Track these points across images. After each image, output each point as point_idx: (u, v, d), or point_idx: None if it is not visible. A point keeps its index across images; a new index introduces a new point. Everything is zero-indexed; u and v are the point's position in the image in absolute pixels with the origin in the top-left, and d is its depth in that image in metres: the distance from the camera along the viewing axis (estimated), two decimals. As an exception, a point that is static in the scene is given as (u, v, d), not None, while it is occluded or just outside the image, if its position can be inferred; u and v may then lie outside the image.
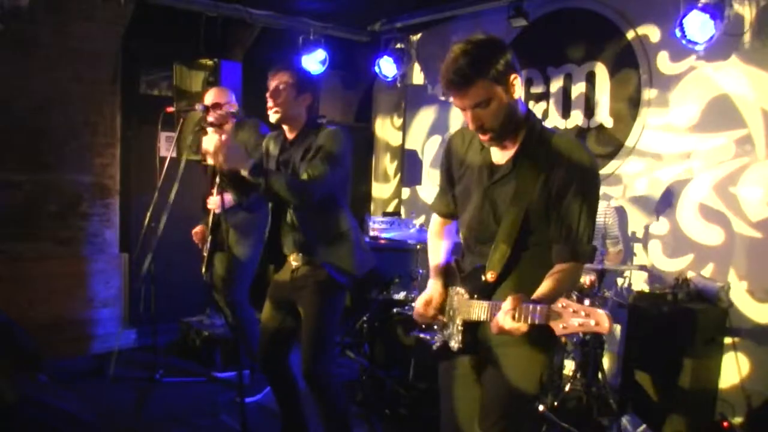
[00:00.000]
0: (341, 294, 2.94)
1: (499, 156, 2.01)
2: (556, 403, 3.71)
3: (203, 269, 4.22)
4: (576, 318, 1.64)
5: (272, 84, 2.85)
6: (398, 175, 6.29)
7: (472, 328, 2.02)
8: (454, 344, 2.06)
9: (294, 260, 2.94)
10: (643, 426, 3.54)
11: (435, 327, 2.17)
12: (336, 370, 4.55)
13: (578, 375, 3.86)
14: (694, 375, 3.60)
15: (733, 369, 3.79)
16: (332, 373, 2.95)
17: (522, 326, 1.73)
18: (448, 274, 2.19)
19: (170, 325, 4.96)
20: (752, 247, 3.78)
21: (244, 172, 2.65)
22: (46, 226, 4.78)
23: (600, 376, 3.78)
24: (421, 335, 2.22)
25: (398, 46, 5.60)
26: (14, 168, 4.63)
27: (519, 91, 1.91)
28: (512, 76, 1.89)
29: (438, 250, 2.27)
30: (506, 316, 1.75)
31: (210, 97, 3.97)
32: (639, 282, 4.26)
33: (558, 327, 1.66)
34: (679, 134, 4.14)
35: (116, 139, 5.08)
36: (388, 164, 6.41)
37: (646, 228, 4.29)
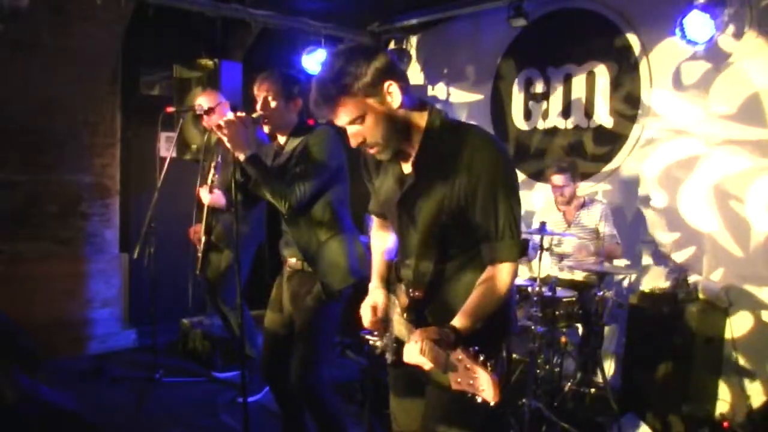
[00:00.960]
0: (334, 306, 2.86)
1: (407, 165, 1.86)
2: (556, 403, 3.71)
3: (197, 268, 4.23)
4: (468, 377, 1.48)
5: (260, 95, 2.81)
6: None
7: (403, 345, 1.82)
8: (389, 357, 1.99)
9: (289, 265, 2.93)
10: (643, 426, 3.54)
11: (375, 333, 2.08)
12: (336, 370, 4.58)
13: (578, 375, 3.87)
14: (694, 375, 3.60)
15: (733, 369, 3.79)
16: (323, 381, 2.87)
17: (426, 364, 1.60)
18: (389, 279, 2.06)
19: (170, 325, 4.97)
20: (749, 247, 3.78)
21: (242, 158, 2.66)
22: (46, 226, 4.78)
23: (600, 376, 3.79)
24: (368, 336, 2.13)
25: (398, 46, 5.60)
26: (14, 168, 4.63)
27: (398, 98, 1.73)
28: (386, 84, 1.71)
29: (378, 253, 2.13)
30: (410, 351, 1.64)
31: (205, 101, 3.97)
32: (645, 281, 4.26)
33: (455, 380, 1.51)
34: (679, 134, 4.14)
35: (116, 139, 5.08)
36: (388, 164, 6.41)
37: (644, 227, 4.29)
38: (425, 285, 1.85)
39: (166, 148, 4.99)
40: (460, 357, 1.49)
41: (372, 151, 1.80)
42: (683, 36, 3.74)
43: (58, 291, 4.82)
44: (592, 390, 3.77)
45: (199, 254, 4.19)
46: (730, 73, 3.87)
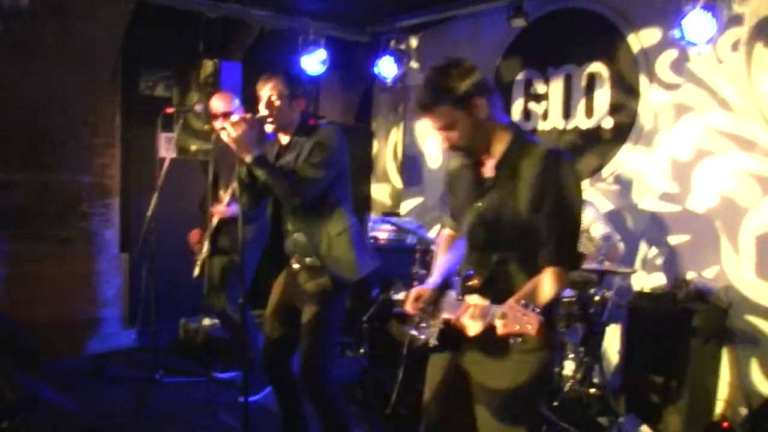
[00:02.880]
0: (342, 298, 2.92)
1: (487, 169, 2.09)
2: (556, 403, 3.71)
3: (195, 271, 4.24)
4: (515, 320, 1.70)
5: (264, 95, 2.83)
6: (398, 176, 6.29)
7: (449, 331, 2.06)
8: (431, 340, 2.14)
9: (295, 263, 2.94)
10: (643, 426, 3.54)
11: (423, 324, 2.23)
12: (336, 370, 4.58)
13: (578, 375, 3.86)
14: (694, 375, 3.60)
15: (733, 369, 3.79)
16: (331, 376, 2.92)
17: (478, 326, 1.83)
18: (445, 286, 2.23)
19: (170, 325, 4.97)
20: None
21: (248, 159, 2.67)
22: (46, 226, 4.78)
23: (600, 376, 3.79)
24: (412, 331, 2.30)
25: (398, 46, 5.60)
26: (14, 168, 4.63)
27: (485, 112, 2.00)
28: (475, 100, 1.98)
29: (440, 257, 2.34)
30: (464, 313, 1.87)
31: (218, 104, 3.96)
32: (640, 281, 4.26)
33: (502, 326, 1.73)
34: (678, 134, 4.14)
35: (116, 139, 5.08)
36: (387, 165, 6.41)
37: (644, 227, 4.29)
38: (483, 277, 2.04)
39: (166, 148, 5.00)
40: (510, 305, 1.74)
41: (457, 153, 2.11)
42: (683, 36, 3.74)
43: (58, 291, 4.82)
44: (592, 390, 3.77)
45: (198, 260, 4.20)
46: (730, 73, 3.87)
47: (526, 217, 1.96)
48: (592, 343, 3.77)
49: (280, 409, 3.20)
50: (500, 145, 2.04)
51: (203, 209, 4.32)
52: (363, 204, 6.28)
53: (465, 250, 2.21)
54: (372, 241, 5.14)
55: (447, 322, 2.07)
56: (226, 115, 3.85)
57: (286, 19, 5.30)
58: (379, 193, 6.48)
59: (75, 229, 4.91)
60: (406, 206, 6.12)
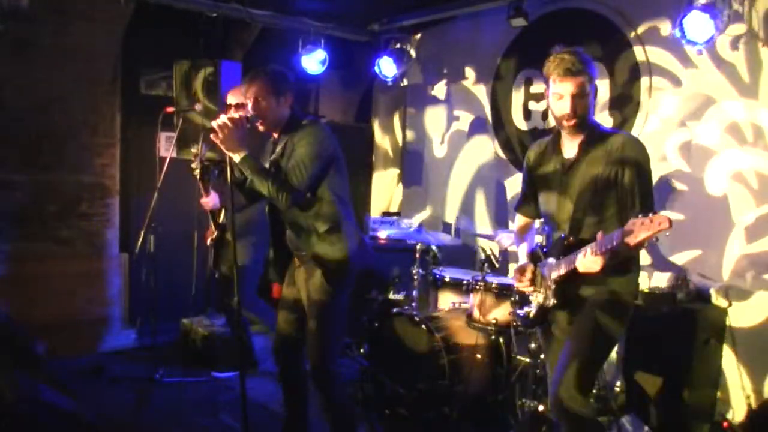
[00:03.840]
0: (340, 292, 2.93)
1: (569, 152, 2.56)
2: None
3: (212, 266, 4.26)
4: (642, 227, 2.09)
5: (250, 96, 2.83)
6: (398, 175, 6.29)
7: (562, 286, 2.51)
8: (549, 302, 2.55)
9: (297, 258, 2.97)
10: (643, 426, 3.54)
11: (530, 298, 2.67)
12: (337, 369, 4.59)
13: (578, 375, 3.86)
14: (694, 375, 3.60)
15: (733, 369, 3.79)
16: (337, 372, 2.96)
17: (599, 259, 2.26)
18: (535, 258, 2.70)
19: (170, 325, 4.97)
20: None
21: (236, 159, 2.68)
22: (46, 226, 4.78)
23: (600, 376, 3.79)
24: (520, 312, 2.75)
25: (398, 46, 5.60)
26: (14, 168, 4.63)
27: (595, 97, 2.51)
28: (595, 85, 2.50)
29: (522, 236, 2.86)
30: (583, 255, 2.30)
31: (233, 98, 3.96)
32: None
33: (632, 240, 2.11)
34: (678, 134, 4.14)
35: (116, 139, 5.08)
36: (387, 164, 6.41)
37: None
38: (577, 234, 2.50)
39: (166, 148, 5.00)
40: (632, 221, 2.13)
41: (571, 122, 2.46)
42: (683, 36, 3.74)
43: (58, 291, 4.82)
44: (593, 390, 3.77)
45: (213, 253, 4.23)
46: (730, 73, 3.87)
47: (608, 186, 2.43)
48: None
49: (284, 408, 3.21)
50: (586, 129, 2.52)
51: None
52: (363, 204, 6.28)
53: (547, 224, 2.69)
54: (372, 241, 5.14)
55: (557, 282, 2.50)
56: (239, 107, 3.87)
57: (286, 19, 5.30)
58: (379, 192, 6.47)
59: (75, 229, 4.91)
60: (407, 205, 6.12)
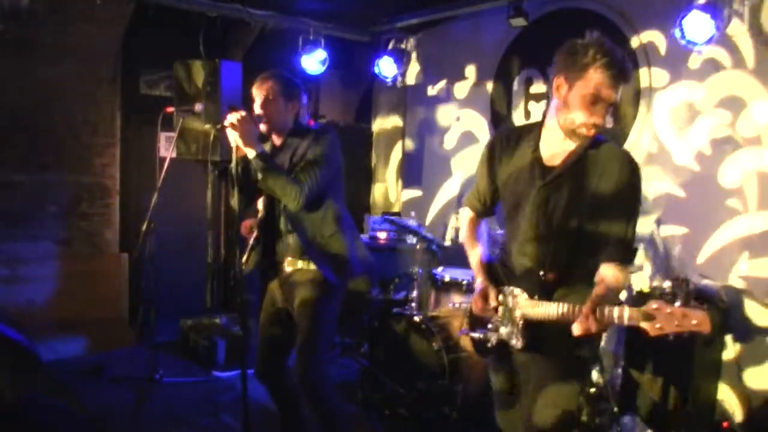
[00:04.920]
0: (335, 298, 2.90)
1: (551, 157, 2.14)
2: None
3: (243, 258, 4.24)
4: (672, 319, 1.86)
5: (261, 94, 2.83)
6: (398, 176, 6.29)
7: (531, 327, 2.13)
8: (516, 342, 2.17)
9: (288, 265, 2.93)
10: (643, 426, 3.54)
11: (489, 326, 2.27)
12: (336, 370, 4.58)
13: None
14: (694, 375, 3.60)
15: (733, 369, 3.79)
16: (328, 378, 2.91)
17: (598, 326, 1.92)
18: (492, 273, 2.32)
19: (170, 325, 4.97)
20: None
21: (251, 154, 2.69)
22: (46, 226, 4.78)
23: (600, 376, 3.79)
24: (474, 335, 2.33)
25: (398, 46, 5.60)
26: (14, 168, 4.63)
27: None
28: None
29: (476, 249, 2.40)
30: (591, 320, 1.91)
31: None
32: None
33: (653, 327, 1.86)
34: (679, 134, 4.14)
35: (116, 139, 5.08)
36: (388, 164, 6.41)
37: (644, 227, 4.29)
38: (559, 269, 2.11)
39: (166, 148, 5.00)
40: (656, 306, 1.85)
41: (591, 132, 2.05)
42: (683, 36, 3.74)
43: (58, 291, 4.82)
44: (592, 390, 3.76)
45: (248, 248, 4.20)
46: (730, 72, 3.87)
47: (593, 213, 2.06)
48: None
49: (279, 412, 3.20)
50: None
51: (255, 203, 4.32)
52: (363, 204, 6.28)
53: (511, 238, 2.25)
54: (372, 241, 5.14)
55: (526, 323, 2.14)
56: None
57: (286, 19, 5.31)
58: (379, 193, 6.48)
59: (75, 229, 4.91)
60: (407, 206, 6.12)
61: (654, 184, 4.22)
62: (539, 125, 2.21)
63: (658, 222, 4.14)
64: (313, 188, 2.75)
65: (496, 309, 2.23)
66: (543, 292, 2.11)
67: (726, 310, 3.78)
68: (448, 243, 4.74)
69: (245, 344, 2.98)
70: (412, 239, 4.62)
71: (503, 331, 2.21)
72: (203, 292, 4.92)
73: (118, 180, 5.12)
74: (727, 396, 3.79)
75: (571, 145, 2.10)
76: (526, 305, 2.14)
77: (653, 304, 1.83)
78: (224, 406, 3.96)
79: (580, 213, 2.07)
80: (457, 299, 4.16)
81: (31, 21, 4.43)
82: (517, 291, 2.18)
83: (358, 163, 6.16)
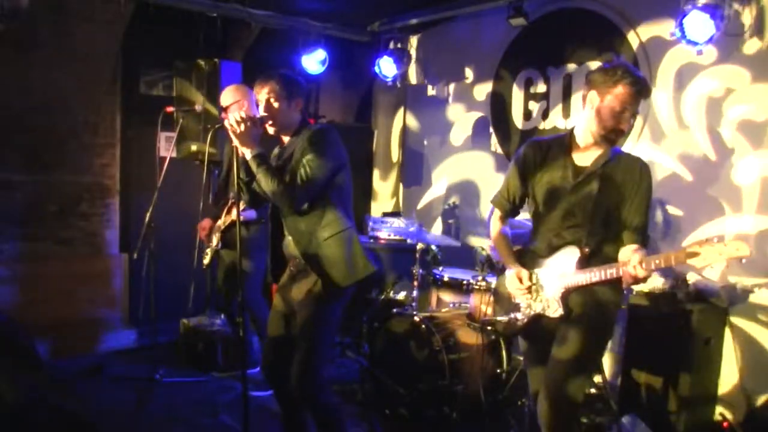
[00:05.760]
0: (335, 304, 2.86)
1: (581, 160, 2.59)
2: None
3: (205, 261, 4.23)
4: (716, 251, 2.15)
5: (261, 98, 2.81)
6: (398, 175, 6.29)
7: (567, 297, 2.54)
8: (555, 313, 2.55)
9: (292, 266, 2.93)
10: (643, 426, 3.54)
11: (520, 306, 2.65)
12: (336, 370, 4.58)
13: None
14: (694, 375, 3.60)
15: (733, 369, 3.79)
16: (324, 383, 2.87)
17: (648, 273, 2.32)
18: (521, 260, 2.70)
19: (170, 325, 4.97)
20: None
21: (249, 155, 2.68)
22: (46, 226, 4.78)
23: (600, 376, 3.79)
24: (503, 319, 2.71)
25: (398, 46, 5.60)
26: (14, 168, 4.63)
27: None
28: None
29: (507, 243, 2.80)
30: (639, 266, 2.30)
31: (226, 97, 3.96)
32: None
33: (700, 261, 2.17)
34: (679, 134, 4.14)
35: (116, 139, 5.08)
36: (387, 164, 6.41)
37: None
38: (592, 246, 2.53)
39: (166, 148, 5.00)
40: (698, 245, 2.19)
41: (616, 138, 2.53)
42: (683, 36, 3.74)
43: (58, 291, 4.82)
44: (592, 390, 3.77)
45: (208, 250, 4.20)
46: (730, 72, 3.87)
47: (617, 204, 2.51)
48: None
49: (281, 413, 3.19)
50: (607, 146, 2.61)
51: (216, 202, 4.31)
52: (363, 204, 6.29)
53: (545, 227, 2.63)
54: (372, 241, 5.14)
55: (564, 294, 2.53)
56: (224, 110, 3.87)
57: (286, 19, 5.31)
58: (379, 192, 6.48)
59: (75, 229, 4.91)
60: (407, 206, 6.12)
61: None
62: (569, 135, 2.64)
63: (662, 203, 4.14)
64: (308, 192, 2.72)
65: (529, 289, 2.60)
66: (580, 263, 2.51)
67: (726, 310, 3.79)
68: (456, 242, 4.72)
69: (245, 344, 2.98)
70: (412, 239, 4.62)
71: (538, 307, 2.59)
72: (203, 292, 4.91)
73: (118, 180, 5.12)
74: (727, 396, 3.79)
75: (597, 151, 2.55)
76: (562, 278, 2.54)
77: (695, 245, 2.18)
78: (224, 406, 3.96)
79: (609, 203, 2.50)
80: (457, 299, 4.16)
81: (31, 21, 4.42)
82: (552, 266, 2.59)
83: (358, 163, 6.16)
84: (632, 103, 2.45)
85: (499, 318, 2.75)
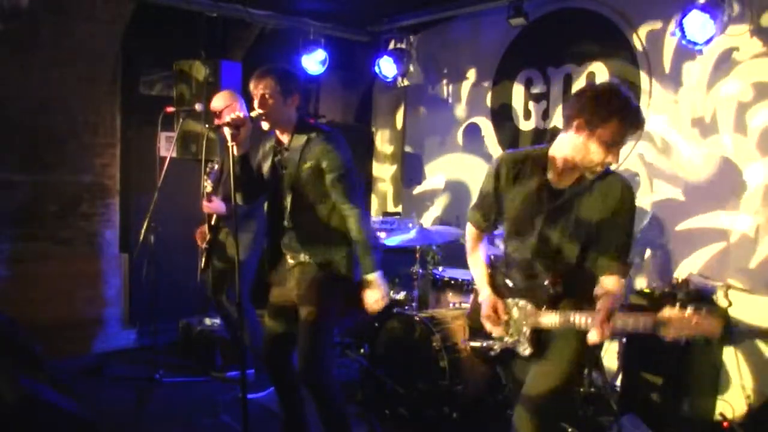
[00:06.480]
0: (338, 295, 2.92)
1: (558, 182, 2.34)
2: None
3: (201, 267, 4.23)
4: (686, 325, 2.03)
5: (257, 93, 2.82)
6: (398, 175, 6.29)
7: (538, 335, 2.38)
8: (525, 350, 2.40)
9: (291, 258, 2.94)
10: (643, 426, 3.54)
11: (494, 336, 2.49)
12: (336, 370, 4.58)
13: (578, 375, 3.86)
14: (694, 375, 3.60)
15: (733, 369, 3.79)
16: (331, 374, 2.92)
17: (612, 333, 2.16)
18: (494, 285, 2.54)
19: (170, 325, 4.97)
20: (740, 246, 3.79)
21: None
22: (46, 226, 4.78)
23: (600, 376, 3.79)
24: (477, 344, 2.56)
25: (398, 46, 5.60)
26: (14, 168, 4.62)
27: None
28: None
29: (480, 263, 2.63)
30: (606, 328, 2.14)
31: (217, 102, 3.97)
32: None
33: (669, 332, 2.05)
34: (679, 134, 4.14)
35: (116, 139, 5.08)
36: (387, 164, 6.42)
37: (645, 227, 4.29)
38: (565, 283, 2.35)
39: (166, 148, 5.00)
40: (668, 314, 2.05)
41: (606, 167, 2.28)
42: (683, 36, 3.74)
43: (58, 291, 4.82)
44: (592, 390, 3.77)
45: (204, 253, 4.20)
46: (730, 73, 3.87)
47: (595, 232, 2.29)
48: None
49: (281, 411, 3.20)
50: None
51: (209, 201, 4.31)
52: (363, 204, 6.28)
53: (516, 254, 2.44)
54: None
55: (534, 332, 2.37)
56: (218, 115, 3.88)
57: (286, 19, 5.31)
58: (379, 192, 6.48)
59: (75, 229, 4.91)
60: (406, 206, 6.12)
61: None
62: (546, 152, 2.37)
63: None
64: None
65: (506, 321, 2.45)
66: (550, 303, 2.33)
67: (726, 310, 3.78)
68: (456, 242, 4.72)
69: (244, 344, 2.98)
70: (411, 239, 4.61)
71: (509, 340, 2.44)
72: (203, 291, 4.91)
73: (118, 180, 5.11)
74: (727, 396, 3.79)
75: (577, 173, 2.31)
76: (532, 316, 2.37)
77: (666, 312, 2.02)
78: (224, 406, 3.96)
79: (585, 232, 2.30)
80: (457, 299, 4.16)
81: (31, 21, 4.42)
82: (522, 303, 2.41)
83: (358, 163, 6.13)
84: (624, 137, 2.21)
85: (473, 344, 2.61)
